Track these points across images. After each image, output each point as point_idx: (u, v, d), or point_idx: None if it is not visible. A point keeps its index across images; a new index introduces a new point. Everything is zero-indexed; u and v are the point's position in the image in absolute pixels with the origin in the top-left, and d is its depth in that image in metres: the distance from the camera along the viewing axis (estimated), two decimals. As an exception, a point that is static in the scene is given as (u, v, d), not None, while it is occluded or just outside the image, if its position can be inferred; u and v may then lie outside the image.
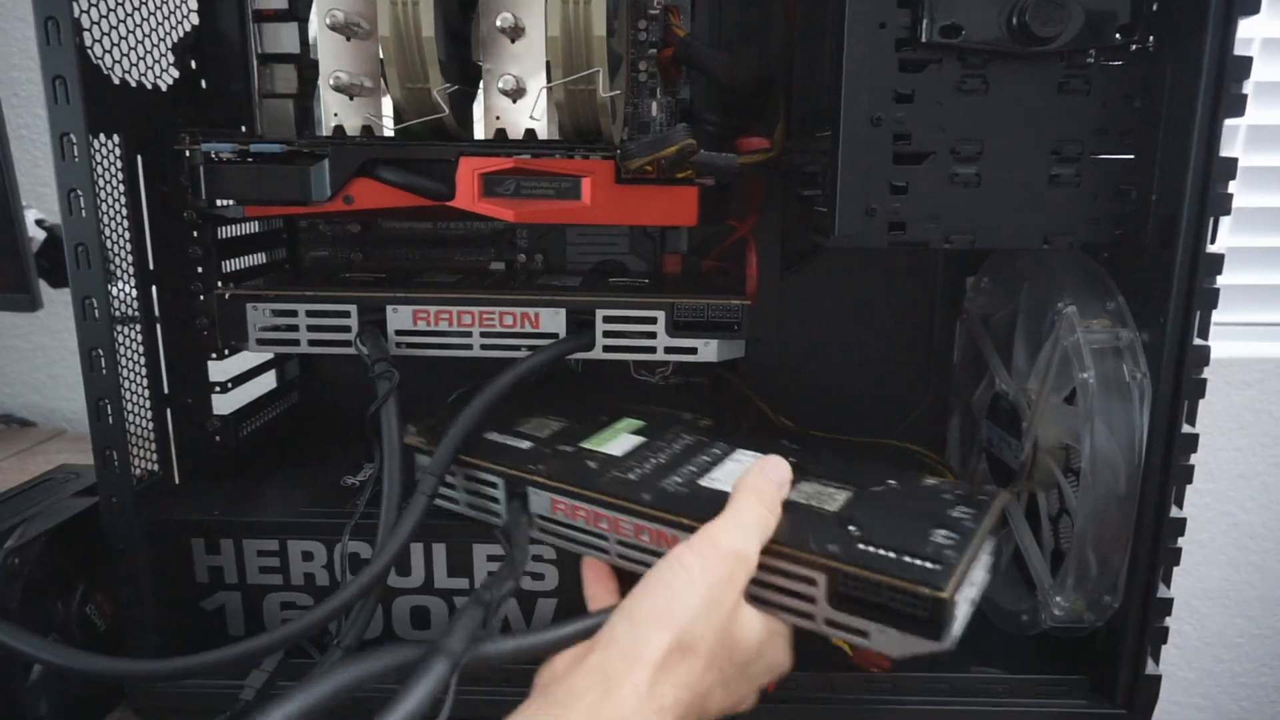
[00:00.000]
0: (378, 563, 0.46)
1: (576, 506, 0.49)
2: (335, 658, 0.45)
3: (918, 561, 0.41)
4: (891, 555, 0.41)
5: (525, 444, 0.55)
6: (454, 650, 0.39)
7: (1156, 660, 0.53)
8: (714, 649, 0.40)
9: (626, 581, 0.46)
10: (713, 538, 0.41)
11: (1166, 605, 0.51)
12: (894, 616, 0.40)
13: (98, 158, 0.50)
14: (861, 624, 0.41)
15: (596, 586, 0.48)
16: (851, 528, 0.44)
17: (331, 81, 0.53)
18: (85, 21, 0.48)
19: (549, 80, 0.52)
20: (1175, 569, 0.51)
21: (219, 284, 0.60)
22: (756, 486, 0.44)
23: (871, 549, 0.42)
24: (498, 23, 0.51)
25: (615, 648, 0.39)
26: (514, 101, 0.54)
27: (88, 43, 0.48)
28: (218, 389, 0.63)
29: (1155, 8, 0.48)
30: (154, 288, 0.56)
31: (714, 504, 0.44)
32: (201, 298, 0.59)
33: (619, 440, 0.56)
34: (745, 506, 0.43)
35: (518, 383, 0.54)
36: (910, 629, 0.40)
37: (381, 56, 0.52)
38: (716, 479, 0.50)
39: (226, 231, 0.63)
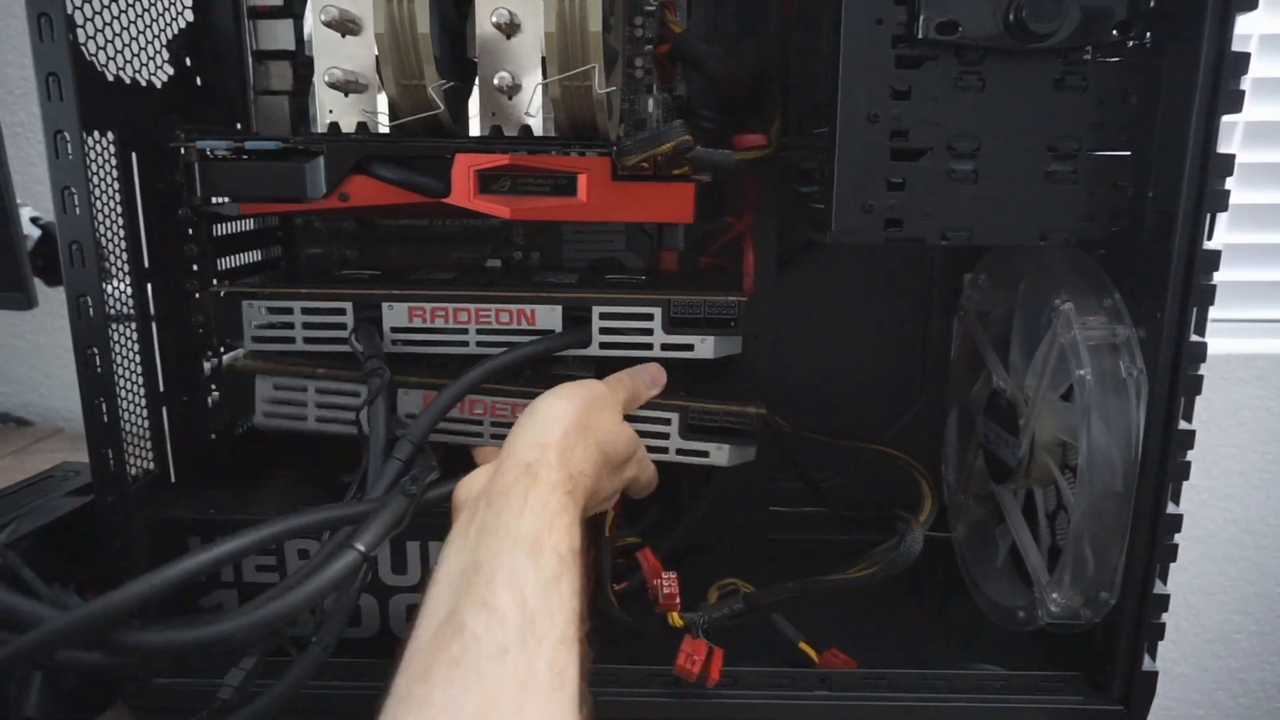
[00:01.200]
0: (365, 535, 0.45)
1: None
2: (314, 655, 0.46)
3: (735, 400, 0.58)
4: (717, 399, 0.58)
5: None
6: (366, 547, 0.43)
7: (1154, 656, 0.53)
8: (602, 440, 0.48)
9: None
10: (577, 381, 0.51)
11: (1163, 601, 0.51)
12: (727, 435, 0.57)
13: (92, 155, 0.49)
14: (704, 447, 0.57)
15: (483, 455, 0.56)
16: (683, 394, 0.58)
17: (327, 78, 0.53)
18: (79, 18, 0.48)
19: (545, 76, 0.52)
20: (1172, 565, 0.51)
21: (214, 282, 0.60)
22: (620, 373, 0.55)
23: (704, 398, 0.58)
24: (493, 19, 0.51)
25: (522, 445, 0.45)
26: (509, 98, 0.53)
27: (81, 39, 0.48)
28: (214, 387, 0.63)
29: (1153, 4, 0.47)
30: (149, 285, 0.56)
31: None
32: (197, 295, 0.59)
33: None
34: (612, 375, 0.55)
35: (507, 368, 0.54)
36: (739, 441, 0.57)
37: (377, 53, 0.52)
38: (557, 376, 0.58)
39: (222, 229, 0.62)
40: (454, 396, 0.52)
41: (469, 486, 0.46)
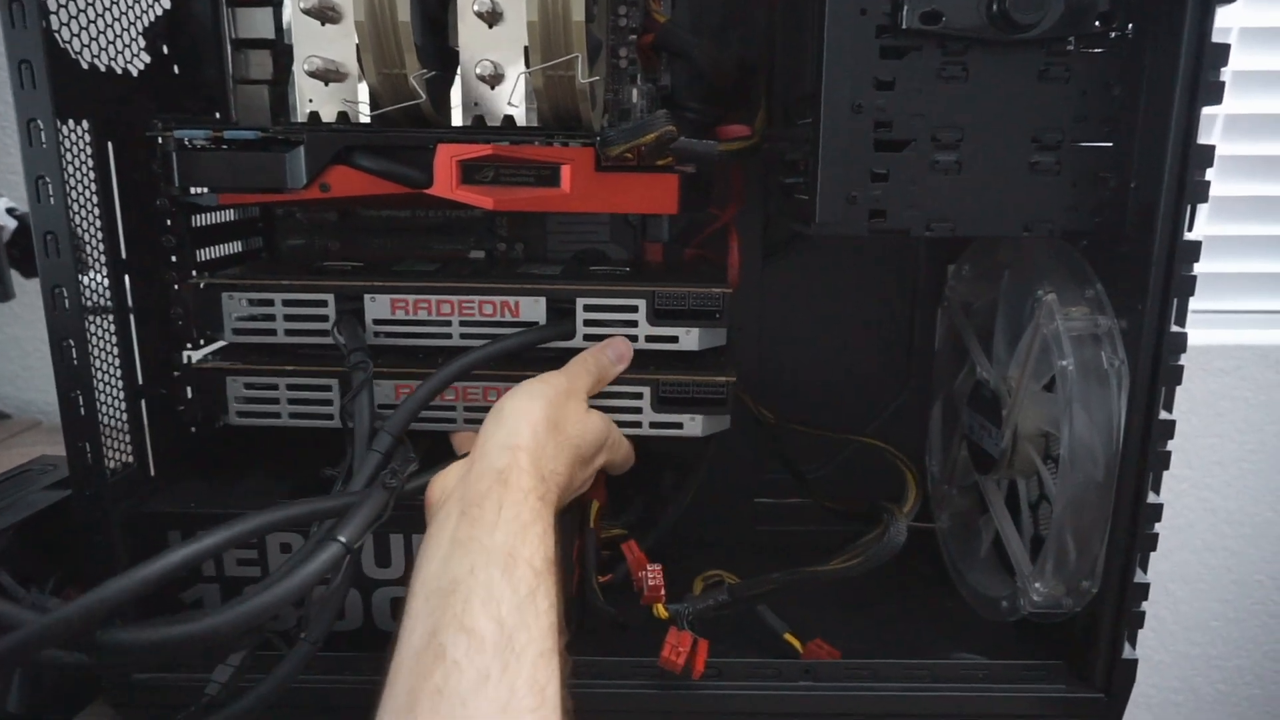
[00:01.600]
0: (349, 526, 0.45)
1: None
2: (304, 651, 0.45)
3: (706, 372, 0.58)
4: (687, 372, 0.57)
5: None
6: (349, 539, 0.43)
7: (1133, 644, 0.53)
8: (572, 436, 0.49)
9: None
10: (540, 377, 0.51)
11: (1143, 590, 0.52)
12: (700, 405, 0.57)
13: (66, 144, 0.49)
14: (677, 418, 0.57)
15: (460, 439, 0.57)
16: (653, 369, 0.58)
17: (306, 67, 0.52)
18: (51, 4, 0.47)
19: (527, 66, 0.52)
20: (1152, 554, 0.51)
21: (193, 273, 0.59)
22: (583, 355, 0.55)
23: (674, 371, 0.57)
24: (475, 7, 0.50)
25: (493, 447, 0.45)
26: (492, 88, 0.53)
27: (55, 26, 0.47)
28: (189, 390, 0.62)
29: (1134, -5, 0.48)
30: (126, 277, 0.55)
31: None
32: (176, 287, 0.59)
33: None
34: (575, 360, 0.54)
35: (489, 360, 0.54)
36: (711, 411, 0.57)
37: (357, 41, 0.51)
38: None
39: (201, 220, 0.62)
40: (434, 388, 0.52)
41: (442, 484, 0.47)
